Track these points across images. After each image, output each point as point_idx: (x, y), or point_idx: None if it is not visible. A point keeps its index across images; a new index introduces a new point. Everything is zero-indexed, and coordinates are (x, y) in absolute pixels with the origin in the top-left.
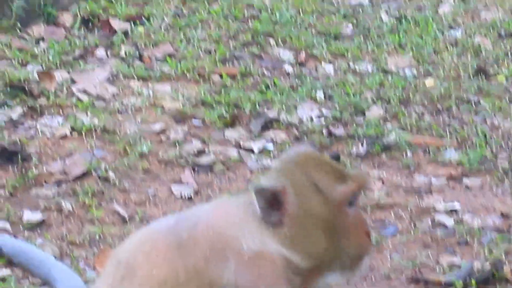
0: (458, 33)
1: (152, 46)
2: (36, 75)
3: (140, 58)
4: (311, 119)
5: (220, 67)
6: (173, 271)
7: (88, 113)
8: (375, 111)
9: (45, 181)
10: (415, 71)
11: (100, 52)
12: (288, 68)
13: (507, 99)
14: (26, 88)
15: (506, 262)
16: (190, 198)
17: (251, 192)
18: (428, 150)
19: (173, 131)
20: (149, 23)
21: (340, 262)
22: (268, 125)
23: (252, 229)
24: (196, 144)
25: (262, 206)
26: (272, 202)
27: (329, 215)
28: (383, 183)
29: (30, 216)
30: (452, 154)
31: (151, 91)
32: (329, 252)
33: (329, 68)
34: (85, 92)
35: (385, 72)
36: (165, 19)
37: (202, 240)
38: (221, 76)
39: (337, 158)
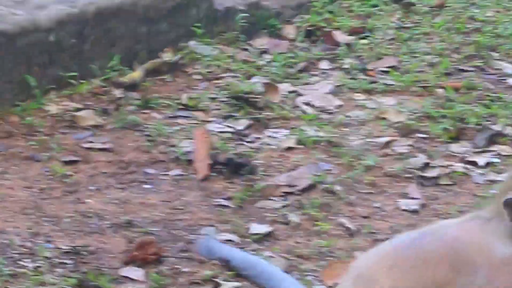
0: None
1: (376, 58)
2: (260, 88)
3: (364, 70)
4: None
5: (444, 80)
6: (419, 284)
7: (313, 125)
8: None
9: (271, 194)
10: None
11: (324, 64)
12: None
13: None
14: (251, 100)
15: None
16: (416, 212)
17: (502, 205)
18: None
19: (398, 144)
20: (373, 36)
21: None
22: (493, 139)
23: (503, 238)
24: (421, 158)
25: None
26: None
27: None
28: None
29: (257, 228)
30: None
31: (375, 104)
32: None
33: None
34: (309, 104)
35: None
36: (388, 31)
37: (450, 251)
38: (445, 89)
39: None
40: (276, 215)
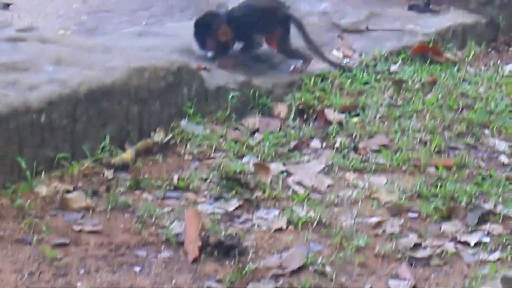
0: None
1: (367, 137)
2: (251, 167)
3: (355, 149)
4: None
5: (435, 158)
6: None
7: (304, 205)
8: None
9: (262, 276)
10: None
11: (315, 143)
12: (504, 159)
13: None
14: (242, 181)
15: None
16: None
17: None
18: None
19: (389, 224)
20: (364, 114)
21: None
22: (484, 217)
23: None
24: (413, 238)
25: None
26: None
27: None
28: None
29: None
30: None
31: (366, 183)
32: None
33: None
34: (300, 184)
35: None
36: (380, 109)
37: None
38: (436, 167)
39: None
40: None
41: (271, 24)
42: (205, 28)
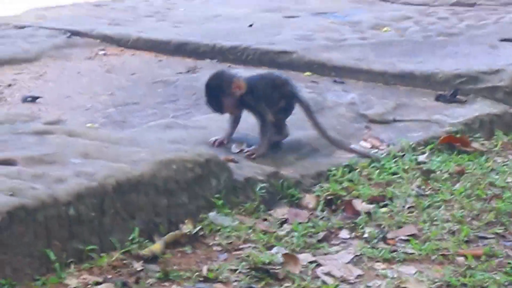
0: None
1: (396, 227)
2: (280, 258)
3: (384, 239)
4: None
5: (464, 248)
6: None
7: None
8: None
9: None
10: None
11: (344, 233)
12: None
13: None
14: (271, 271)
15: None
16: None
17: None
18: None
19: None
20: (392, 204)
21: None
22: None
23: None
24: None
25: None
26: None
27: None
28: None
29: None
30: None
31: (395, 273)
32: None
33: None
34: (329, 274)
35: None
36: (408, 199)
37: None
38: (465, 257)
39: None
40: None
41: (276, 97)
42: (217, 87)
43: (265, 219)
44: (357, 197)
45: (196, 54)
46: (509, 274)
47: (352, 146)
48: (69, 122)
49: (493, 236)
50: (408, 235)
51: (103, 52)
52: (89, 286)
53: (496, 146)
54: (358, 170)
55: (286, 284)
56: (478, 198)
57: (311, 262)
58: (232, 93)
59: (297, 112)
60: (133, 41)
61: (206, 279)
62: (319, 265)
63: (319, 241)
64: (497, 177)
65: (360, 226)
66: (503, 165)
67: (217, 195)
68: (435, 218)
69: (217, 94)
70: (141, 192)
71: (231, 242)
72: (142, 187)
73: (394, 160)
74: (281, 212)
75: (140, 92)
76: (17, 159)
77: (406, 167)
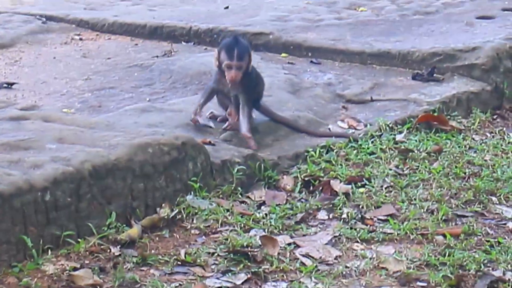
0: None
1: (374, 207)
2: (259, 240)
3: (362, 219)
4: None
5: (443, 227)
6: None
7: (312, 277)
8: None
9: None
10: None
11: (322, 214)
12: None
13: None
14: (249, 254)
15: None
16: None
17: None
18: None
19: None
20: (370, 184)
21: None
22: (494, 285)
23: None
24: None
25: None
26: None
27: None
28: None
29: None
30: None
31: (374, 253)
32: None
33: None
34: (308, 255)
35: None
36: (386, 179)
37: None
38: (444, 236)
39: None
40: None
41: None
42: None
43: (243, 202)
44: (335, 177)
45: (172, 37)
46: (488, 252)
47: (329, 127)
48: (45, 107)
49: (471, 214)
50: (386, 215)
51: (78, 37)
52: (66, 272)
53: (473, 124)
54: (336, 150)
55: (265, 266)
56: (457, 177)
57: (289, 244)
58: (248, 66)
59: (274, 94)
60: (109, 25)
61: (184, 263)
62: (297, 246)
63: (297, 222)
64: (475, 155)
65: (338, 207)
66: (481, 143)
67: (194, 178)
68: (413, 198)
69: (247, 58)
70: (118, 177)
71: (208, 225)
72: (118, 171)
73: (371, 140)
74: (258, 194)
75: (116, 76)
76: None
77: (384, 146)
